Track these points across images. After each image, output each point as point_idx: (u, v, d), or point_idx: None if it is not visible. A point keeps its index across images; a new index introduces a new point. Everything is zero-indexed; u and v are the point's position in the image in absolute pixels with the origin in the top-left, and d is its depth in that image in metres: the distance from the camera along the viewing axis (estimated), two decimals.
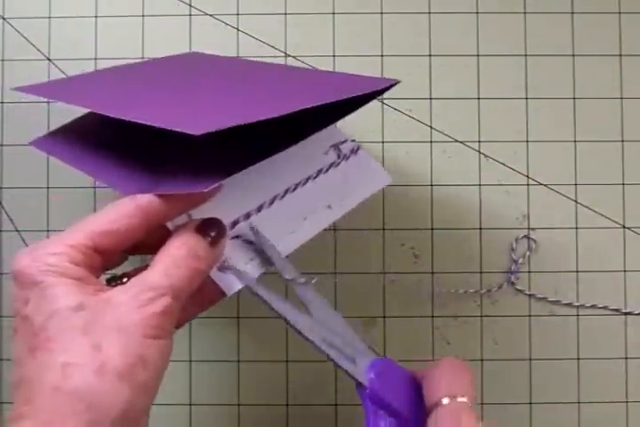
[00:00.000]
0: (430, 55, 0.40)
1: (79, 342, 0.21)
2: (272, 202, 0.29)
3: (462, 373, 0.26)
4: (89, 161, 0.28)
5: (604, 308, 0.39)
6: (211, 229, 0.25)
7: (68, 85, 0.32)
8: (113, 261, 0.26)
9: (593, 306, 0.39)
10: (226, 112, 0.25)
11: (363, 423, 0.39)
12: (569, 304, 0.39)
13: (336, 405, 0.39)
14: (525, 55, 0.40)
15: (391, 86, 0.27)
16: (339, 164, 0.31)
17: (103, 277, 0.26)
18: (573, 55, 0.40)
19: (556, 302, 0.39)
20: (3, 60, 0.40)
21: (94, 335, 0.21)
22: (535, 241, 0.39)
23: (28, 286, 0.22)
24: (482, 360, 0.39)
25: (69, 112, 0.40)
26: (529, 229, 0.39)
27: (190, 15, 0.40)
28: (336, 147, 0.32)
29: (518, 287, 0.39)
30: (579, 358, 0.39)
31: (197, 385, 0.39)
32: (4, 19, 0.40)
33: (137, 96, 0.29)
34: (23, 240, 0.39)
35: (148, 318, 0.22)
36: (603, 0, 0.40)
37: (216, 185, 0.24)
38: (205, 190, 0.24)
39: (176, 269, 0.23)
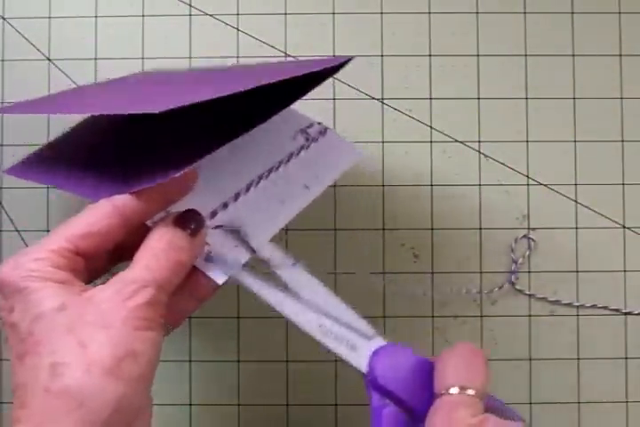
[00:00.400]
0: (430, 55, 0.40)
1: (65, 341, 0.21)
2: (248, 189, 0.29)
3: (474, 360, 0.26)
4: (61, 178, 0.29)
5: (604, 308, 0.39)
6: (189, 221, 0.25)
7: (36, 102, 0.34)
8: (98, 264, 0.26)
9: (593, 306, 0.39)
10: (184, 94, 0.26)
11: (362, 423, 0.39)
12: (569, 304, 0.39)
13: (336, 405, 0.39)
14: (525, 55, 0.40)
15: (345, 63, 0.28)
16: (309, 146, 0.32)
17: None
18: (573, 55, 0.40)
19: (556, 302, 0.39)
20: (3, 60, 0.40)
21: (80, 333, 0.21)
22: (535, 241, 0.39)
23: (12, 294, 0.22)
24: None
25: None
26: (529, 229, 0.39)
27: (190, 15, 0.40)
28: (303, 131, 0.32)
29: (518, 287, 0.39)
30: (579, 358, 0.39)
31: (197, 385, 0.39)
32: (3, 19, 0.40)
33: (97, 98, 0.30)
34: (23, 240, 0.39)
35: (134, 309, 0.22)
36: (603, 0, 0.40)
37: (185, 170, 0.24)
38: (176, 175, 0.24)
39: (156, 261, 0.23)
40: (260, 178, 0.30)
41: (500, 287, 0.39)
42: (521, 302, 0.39)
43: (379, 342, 0.29)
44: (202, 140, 0.28)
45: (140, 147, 0.30)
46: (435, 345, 0.39)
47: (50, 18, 0.40)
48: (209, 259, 0.27)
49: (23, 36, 0.40)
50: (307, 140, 0.32)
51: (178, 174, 0.24)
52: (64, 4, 0.40)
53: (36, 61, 0.40)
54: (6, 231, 0.40)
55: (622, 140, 0.39)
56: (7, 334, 0.22)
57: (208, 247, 0.27)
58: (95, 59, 0.40)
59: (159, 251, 0.24)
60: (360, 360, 0.28)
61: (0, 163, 0.40)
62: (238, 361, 0.39)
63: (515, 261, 0.39)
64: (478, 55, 0.40)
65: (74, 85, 0.40)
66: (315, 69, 0.27)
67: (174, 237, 0.25)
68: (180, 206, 0.27)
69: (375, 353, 0.28)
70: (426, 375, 0.27)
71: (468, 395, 0.24)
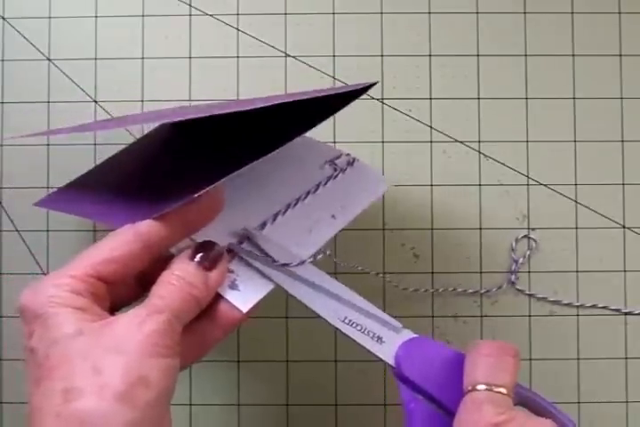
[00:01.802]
0: (430, 55, 0.40)
1: (80, 366, 0.21)
2: (275, 218, 0.30)
3: (505, 357, 0.25)
4: (90, 207, 0.30)
5: (604, 308, 0.39)
6: (205, 254, 0.25)
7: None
8: (124, 292, 0.27)
9: (593, 306, 0.39)
10: (220, 109, 0.26)
11: (363, 423, 0.39)
12: (569, 304, 0.39)
13: (336, 405, 0.39)
14: (525, 55, 0.40)
15: (367, 88, 0.28)
16: (337, 176, 0.32)
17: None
18: (573, 55, 0.40)
19: (556, 302, 0.39)
20: (3, 60, 0.40)
21: (94, 359, 0.21)
22: (535, 241, 0.39)
23: (32, 320, 0.22)
24: None
25: (70, 112, 0.40)
26: (529, 229, 0.39)
27: (190, 15, 0.40)
28: (331, 162, 0.33)
29: (518, 287, 0.39)
30: (579, 358, 0.39)
31: (197, 385, 0.39)
32: (3, 19, 0.40)
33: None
34: (23, 240, 0.39)
35: (148, 335, 0.22)
36: (603, 0, 0.40)
37: (204, 191, 0.24)
38: (195, 195, 0.24)
39: (169, 294, 0.24)
40: (288, 207, 0.30)
41: (500, 287, 0.39)
42: (521, 302, 0.39)
43: (408, 334, 0.29)
44: (226, 166, 0.28)
45: (168, 176, 0.30)
46: None
47: (50, 18, 0.40)
48: (233, 286, 0.27)
49: (23, 36, 0.40)
50: (335, 170, 0.33)
51: (197, 195, 0.24)
52: (64, 4, 0.40)
53: (35, 61, 0.40)
54: (6, 231, 0.40)
55: (622, 141, 0.39)
56: (27, 359, 0.22)
57: (233, 275, 0.27)
58: (95, 59, 0.40)
59: (172, 286, 0.24)
60: (387, 353, 0.28)
61: (0, 163, 0.40)
62: (238, 361, 0.39)
63: (515, 261, 0.39)
64: (478, 55, 0.40)
65: (73, 85, 0.40)
66: (337, 92, 0.27)
67: (187, 273, 0.25)
68: (205, 235, 0.27)
69: (403, 345, 0.28)
70: (457, 370, 0.26)
71: (496, 392, 0.24)
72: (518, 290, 0.39)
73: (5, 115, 0.40)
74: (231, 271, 0.27)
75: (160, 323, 0.22)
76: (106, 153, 0.39)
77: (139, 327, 0.22)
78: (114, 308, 0.26)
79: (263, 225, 0.29)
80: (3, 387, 0.39)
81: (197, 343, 0.26)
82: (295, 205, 0.30)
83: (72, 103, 0.40)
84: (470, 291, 0.39)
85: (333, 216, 0.31)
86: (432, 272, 0.39)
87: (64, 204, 0.31)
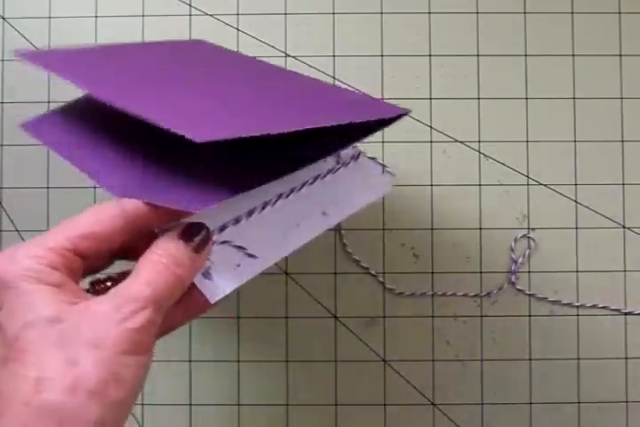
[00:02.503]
0: (430, 55, 0.40)
1: (53, 356, 0.20)
2: (264, 207, 0.28)
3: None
4: (78, 148, 0.27)
5: (604, 308, 0.39)
6: (195, 235, 0.24)
7: (74, 59, 0.30)
8: (96, 264, 0.25)
9: (593, 306, 0.39)
10: (233, 120, 0.24)
11: (363, 423, 0.39)
12: (569, 304, 0.39)
13: (336, 405, 0.39)
14: (525, 55, 0.40)
15: (399, 117, 0.26)
16: (337, 170, 0.30)
17: (87, 279, 0.25)
18: (573, 55, 0.40)
19: (556, 302, 0.39)
20: (3, 60, 0.40)
21: (69, 350, 0.20)
22: (535, 241, 0.39)
23: (2, 291, 0.21)
24: (482, 360, 0.39)
25: None
26: (529, 229, 0.39)
27: (190, 15, 0.40)
28: (336, 154, 0.30)
29: (518, 287, 0.39)
30: (579, 358, 0.39)
31: (197, 385, 0.39)
32: (3, 19, 0.40)
33: (144, 84, 0.27)
34: (23, 240, 0.39)
35: (126, 333, 0.21)
36: (603, 0, 0.40)
37: (207, 208, 0.23)
38: (196, 213, 0.23)
39: (158, 276, 0.23)
40: (280, 197, 0.28)
41: (500, 288, 0.39)
42: (521, 302, 0.39)
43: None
44: (238, 153, 0.26)
45: (172, 141, 0.26)
46: (435, 345, 0.39)
47: (50, 18, 0.40)
48: (207, 275, 0.26)
49: (23, 36, 0.40)
50: (337, 162, 0.30)
51: (198, 212, 0.22)
52: (64, 4, 0.40)
53: None
54: (6, 231, 0.40)
55: (622, 141, 0.39)
56: None
57: (208, 263, 0.26)
58: None
59: (161, 265, 0.23)
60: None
61: (0, 163, 0.40)
62: (238, 361, 0.39)
63: (515, 261, 0.39)
64: (478, 55, 0.40)
65: (73, 85, 0.40)
66: (370, 118, 0.25)
67: (178, 252, 0.23)
68: (191, 216, 0.25)
69: None
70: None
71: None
72: (518, 290, 0.39)
73: (5, 115, 0.40)
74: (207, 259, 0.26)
75: (142, 321, 0.21)
76: None
77: (119, 323, 0.21)
78: (81, 278, 0.25)
79: (250, 213, 0.27)
80: None
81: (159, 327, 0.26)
82: (288, 196, 0.28)
83: None
84: (470, 294, 0.39)
85: (325, 213, 0.29)
86: (432, 272, 0.39)
87: (48, 133, 0.28)
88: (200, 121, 0.23)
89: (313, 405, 0.39)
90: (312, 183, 0.29)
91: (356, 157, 0.31)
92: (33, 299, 0.21)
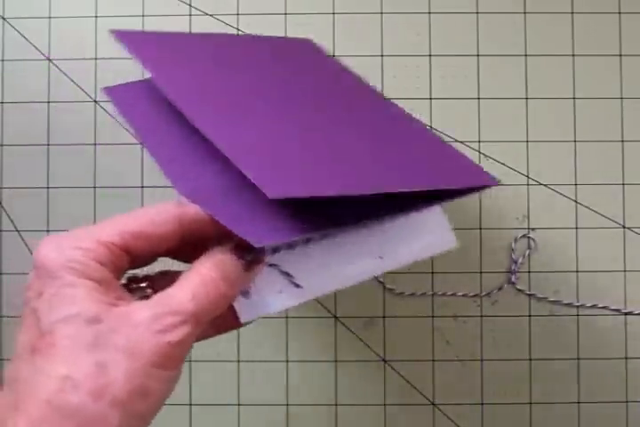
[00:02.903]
0: (430, 55, 0.40)
1: (84, 357, 0.20)
2: (323, 237, 0.26)
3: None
4: (155, 129, 0.25)
5: (604, 308, 0.39)
6: (249, 252, 0.23)
7: (166, 47, 0.29)
8: (139, 262, 0.24)
9: (593, 306, 0.39)
10: (312, 170, 0.23)
11: (363, 423, 0.39)
12: (569, 304, 0.39)
13: (336, 405, 0.39)
14: (525, 55, 0.40)
15: (488, 186, 0.25)
16: (409, 213, 0.28)
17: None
18: (573, 55, 0.40)
19: (556, 302, 0.39)
20: (3, 60, 0.40)
21: (101, 353, 0.20)
22: (535, 241, 0.39)
23: (45, 279, 0.20)
24: (482, 360, 0.39)
25: (70, 112, 0.40)
26: (529, 228, 0.39)
27: (190, 15, 0.40)
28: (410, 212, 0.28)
29: (518, 287, 0.39)
30: (579, 358, 0.39)
31: (197, 385, 0.39)
32: (3, 19, 0.40)
33: (232, 99, 0.26)
34: (23, 240, 0.39)
35: (162, 345, 0.20)
36: (603, 0, 0.40)
37: (271, 243, 0.21)
38: (258, 246, 0.21)
39: (204, 291, 0.22)
40: (341, 231, 0.26)
41: (500, 288, 0.39)
42: (521, 302, 0.39)
43: None
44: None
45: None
46: (435, 345, 0.39)
47: (50, 18, 0.40)
48: (245, 295, 0.25)
49: (23, 36, 0.40)
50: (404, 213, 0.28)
51: (261, 245, 0.21)
52: (64, 4, 0.40)
53: (35, 61, 0.40)
54: (6, 231, 0.40)
55: (622, 141, 0.39)
56: (25, 316, 0.21)
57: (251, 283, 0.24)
58: (95, 59, 0.40)
59: (209, 280, 0.22)
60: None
61: (0, 163, 0.40)
62: (238, 361, 0.39)
63: (515, 261, 0.39)
64: (478, 55, 0.40)
65: (73, 85, 0.40)
66: (458, 187, 0.24)
67: (228, 269, 0.22)
68: None
69: None
70: None
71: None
72: (518, 290, 0.39)
73: (5, 115, 0.40)
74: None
75: (181, 335, 0.21)
76: (106, 153, 0.39)
77: (157, 335, 0.20)
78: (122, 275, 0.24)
79: (308, 240, 0.25)
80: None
81: None
82: (350, 231, 0.26)
83: (72, 103, 0.40)
84: (470, 294, 0.39)
85: (381, 257, 0.27)
86: (432, 272, 0.39)
87: (128, 104, 0.26)
88: (280, 170, 0.22)
89: (313, 405, 0.39)
90: (379, 222, 0.27)
91: None
92: (75, 293, 0.20)
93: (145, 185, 0.39)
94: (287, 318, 0.39)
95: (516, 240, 0.39)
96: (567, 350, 0.39)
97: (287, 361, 0.39)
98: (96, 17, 0.40)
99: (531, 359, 0.39)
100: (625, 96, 0.39)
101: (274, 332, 0.39)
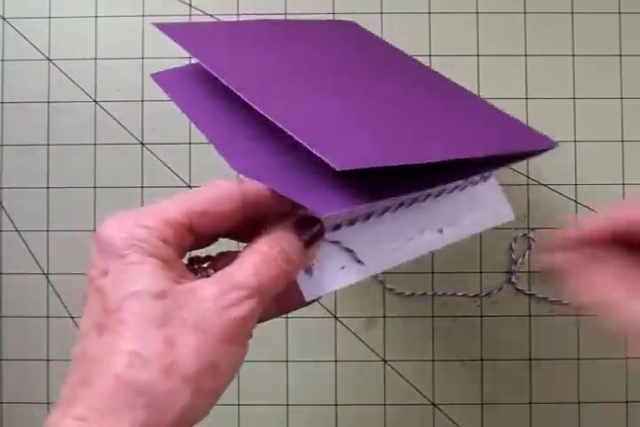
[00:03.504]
0: (430, 55, 0.40)
1: (153, 333, 0.19)
2: (383, 212, 0.26)
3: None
4: (206, 111, 0.25)
5: None
6: (308, 229, 0.23)
7: (215, 40, 0.29)
8: (202, 242, 0.24)
9: None
10: (376, 142, 0.23)
11: (363, 423, 0.39)
12: (569, 304, 0.39)
13: (336, 405, 0.39)
14: (525, 55, 0.40)
15: (545, 150, 0.25)
16: (464, 187, 0.28)
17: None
18: (573, 55, 0.40)
19: (556, 302, 0.39)
20: (3, 60, 0.40)
21: (170, 329, 0.19)
22: (535, 241, 0.39)
23: (110, 256, 0.20)
24: (482, 360, 0.39)
25: (70, 112, 0.40)
26: (529, 228, 0.39)
27: (190, 15, 0.40)
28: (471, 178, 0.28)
29: (518, 287, 0.39)
30: (579, 359, 0.39)
31: None
32: (4, 19, 0.40)
33: (288, 84, 0.26)
34: (23, 240, 0.39)
35: (230, 320, 0.20)
36: (603, 0, 0.40)
37: (334, 213, 0.21)
38: (322, 217, 0.21)
39: (266, 269, 0.22)
40: (401, 204, 0.26)
41: (500, 288, 0.39)
42: (521, 302, 0.39)
43: None
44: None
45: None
46: (435, 345, 0.39)
47: (50, 18, 0.40)
48: (309, 272, 0.25)
49: (23, 36, 0.40)
50: (465, 180, 0.27)
51: (325, 216, 0.21)
52: (64, 4, 0.40)
53: (35, 61, 0.40)
54: (6, 231, 0.40)
55: (622, 141, 0.39)
56: (89, 295, 0.21)
57: (313, 260, 0.24)
58: (95, 59, 0.40)
59: (270, 258, 0.22)
60: None
61: (0, 163, 0.40)
62: None
63: (514, 261, 0.39)
64: (478, 55, 0.40)
65: (73, 85, 0.40)
66: (520, 150, 0.24)
67: (288, 246, 0.22)
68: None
69: None
70: None
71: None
72: (518, 290, 0.39)
73: (5, 115, 0.40)
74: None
75: (247, 310, 0.20)
76: (106, 153, 0.40)
77: (224, 310, 0.20)
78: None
79: (368, 216, 0.25)
80: (3, 387, 0.39)
81: None
82: (410, 205, 0.26)
83: (72, 103, 0.40)
84: (471, 294, 0.39)
85: (440, 231, 0.27)
86: (432, 272, 0.39)
87: (177, 88, 0.26)
88: (342, 142, 0.22)
89: (313, 405, 0.39)
90: (437, 196, 0.27)
91: (486, 177, 0.29)
92: (142, 270, 0.20)
93: (145, 185, 0.39)
94: (287, 318, 0.39)
95: (515, 240, 0.39)
96: (567, 350, 0.39)
97: (287, 361, 0.39)
98: (96, 17, 0.40)
99: (531, 359, 0.39)
100: (625, 96, 0.39)
101: (274, 332, 0.39)
